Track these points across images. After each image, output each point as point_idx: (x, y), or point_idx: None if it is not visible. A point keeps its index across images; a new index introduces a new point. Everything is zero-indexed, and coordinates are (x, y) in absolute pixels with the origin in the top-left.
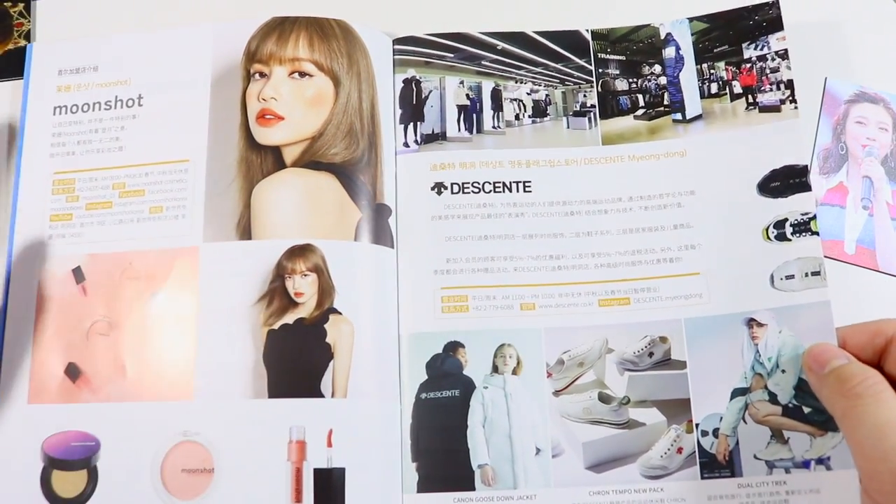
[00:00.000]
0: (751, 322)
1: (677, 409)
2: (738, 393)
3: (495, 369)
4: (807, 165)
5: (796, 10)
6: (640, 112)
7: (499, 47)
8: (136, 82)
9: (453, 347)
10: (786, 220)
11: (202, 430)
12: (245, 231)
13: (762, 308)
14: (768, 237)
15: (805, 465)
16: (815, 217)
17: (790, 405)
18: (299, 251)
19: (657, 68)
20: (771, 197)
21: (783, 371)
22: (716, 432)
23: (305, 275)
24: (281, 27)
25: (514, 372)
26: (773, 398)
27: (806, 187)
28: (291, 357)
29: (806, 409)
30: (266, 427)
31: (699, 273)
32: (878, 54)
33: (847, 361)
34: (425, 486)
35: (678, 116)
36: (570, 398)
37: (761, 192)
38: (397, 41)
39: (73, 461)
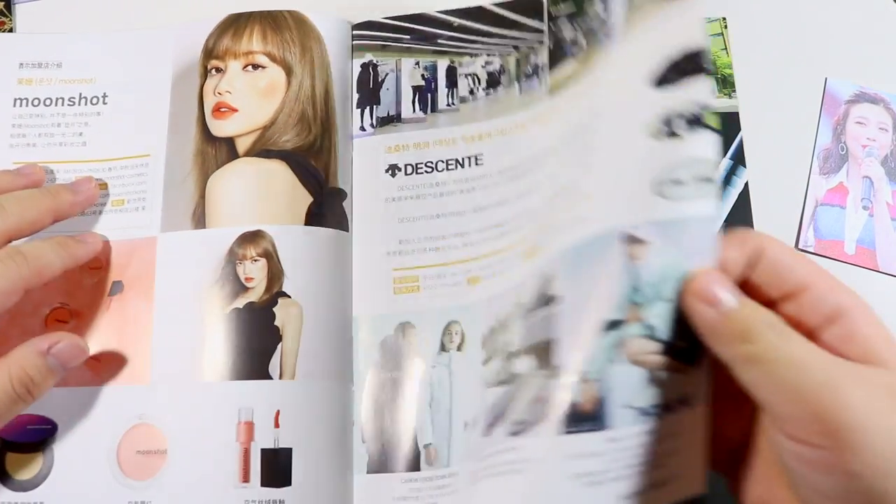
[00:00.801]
0: (629, 238)
1: (548, 352)
2: (610, 327)
3: (443, 348)
4: (704, 48)
5: (796, 9)
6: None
7: (455, 24)
8: (101, 81)
9: (404, 328)
10: (677, 112)
11: (157, 413)
12: (199, 220)
13: (644, 221)
14: (656, 135)
15: (674, 407)
16: (714, 112)
17: (670, 341)
18: (250, 237)
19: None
20: (663, 89)
21: (665, 301)
22: (583, 377)
23: (255, 260)
24: (236, 23)
25: (459, 348)
26: (651, 333)
27: (701, 70)
28: (241, 340)
29: (679, 344)
30: (217, 409)
31: (592, 196)
32: (878, 54)
33: (737, 299)
34: (375, 466)
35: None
36: (489, 365)
37: (655, 87)
38: (356, 27)
39: (27, 444)
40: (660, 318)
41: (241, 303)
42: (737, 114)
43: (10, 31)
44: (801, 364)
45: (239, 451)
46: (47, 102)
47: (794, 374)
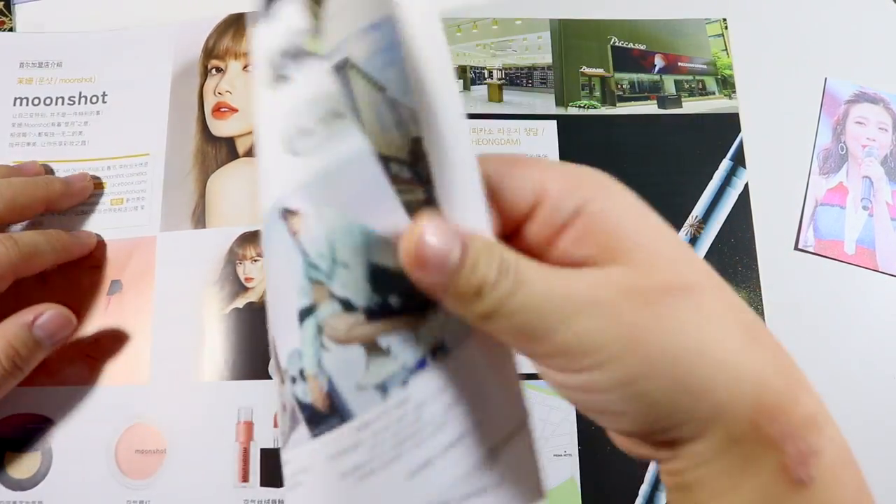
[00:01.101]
0: (285, 214)
1: (274, 355)
2: (304, 315)
3: None
4: None
5: (796, 9)
6: None
7: None
8: (100, 80)
9: None
10: (280, 51)
11: (156, 413)
12: (199, 220)
13: (289, 189)
14: (270, 84)
15: (421, 365)
16: (316, 36)
17: (372, 306)
18: (250, 237)
19: None
20: (264, 25)
21: (345, 267)
22: (303, 375)
23: (255, 260)
24: (237, 23)
25: None
26: (346, 306)
27: None
28: (241, 340)
29: (393, 302)
30: (216, 409)
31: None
32: (878, 54)
33: (458, 258)
34: None
35: None
36: None
37: (258, 24)
38: None
39: (26, 442)
40: (348, 286)
41: (240, 303)
42: (737, 114)
43: (10, 30)
44: (537, 308)
45: (238, 450)
46: (47, 101)
47: (531, 321)
